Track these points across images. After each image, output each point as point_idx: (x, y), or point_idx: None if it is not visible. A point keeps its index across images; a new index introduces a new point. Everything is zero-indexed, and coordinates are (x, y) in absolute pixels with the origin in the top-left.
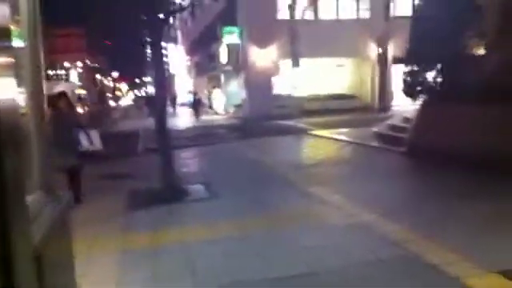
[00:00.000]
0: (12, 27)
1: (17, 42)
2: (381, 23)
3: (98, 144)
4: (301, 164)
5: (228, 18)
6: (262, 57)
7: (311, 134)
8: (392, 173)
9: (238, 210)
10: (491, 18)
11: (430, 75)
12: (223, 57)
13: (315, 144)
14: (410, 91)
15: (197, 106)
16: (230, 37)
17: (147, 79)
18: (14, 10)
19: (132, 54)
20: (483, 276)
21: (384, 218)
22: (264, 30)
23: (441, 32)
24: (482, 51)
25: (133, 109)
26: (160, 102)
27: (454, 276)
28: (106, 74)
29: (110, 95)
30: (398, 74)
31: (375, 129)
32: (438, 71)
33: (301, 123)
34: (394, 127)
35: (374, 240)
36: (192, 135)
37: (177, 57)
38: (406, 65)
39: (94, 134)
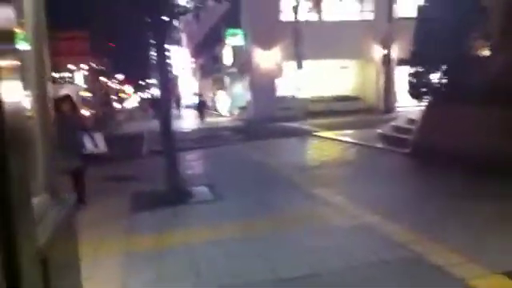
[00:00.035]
0: (17, 30)
1: (22, 45)
2: (385, 24)
3: (102, 147)
4: (305, 166)
5: (232, 19)
6: (265, 58)
7: (315, 136)
8: (396, 174)
9: (242, 211)
10: (496, 20)
11: (435, 76)
12: (227, 59)
13: (319, 146)
14: (414, 92)
15: (201, 107)
16: (234, 39)
17: (152, 81)
18: (19, 12)
19: (136, 57)
20: (488, 277)
21: (388, 219)
22: (268, 31)
23: (445, 33)
24: (486, 52)
25: (137, 111)
26: (165, 104)
27: (458, 277)
28: (110, 77)
29: (114, 97)
30: (402, 75)
31: (380, 130)
32: (442, 72)
33: (305, 125)
34: (398, 129)
35: (377, 241)
36: (197, 137)
37: (181, 59)
38: (411, 66)
39: (99, 137)
